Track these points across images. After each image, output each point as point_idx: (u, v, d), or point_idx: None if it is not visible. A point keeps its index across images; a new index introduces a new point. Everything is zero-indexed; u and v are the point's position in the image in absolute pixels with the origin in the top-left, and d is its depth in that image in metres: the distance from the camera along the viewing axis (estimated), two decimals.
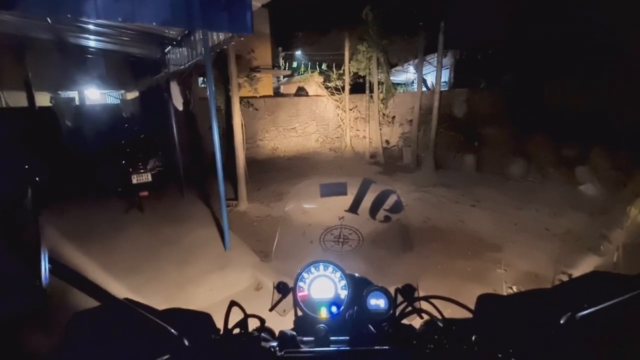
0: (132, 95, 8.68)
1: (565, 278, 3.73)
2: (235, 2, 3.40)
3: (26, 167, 5.07)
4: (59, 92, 8.29)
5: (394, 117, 10.70)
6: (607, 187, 6.37)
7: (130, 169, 5.58)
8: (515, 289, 3.45)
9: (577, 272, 3.76)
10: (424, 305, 0.73)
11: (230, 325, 0.66)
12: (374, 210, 0.89)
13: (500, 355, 0.50)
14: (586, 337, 0.45)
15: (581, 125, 7.57)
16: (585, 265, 3.86)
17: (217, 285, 3.71)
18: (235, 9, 3.40)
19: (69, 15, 2.82)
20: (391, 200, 0.90)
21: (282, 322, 0.81)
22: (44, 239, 0.41)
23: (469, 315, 0.62)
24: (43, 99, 8.19)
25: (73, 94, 8.78)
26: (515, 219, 5.45)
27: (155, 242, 4.69)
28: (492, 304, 0.59)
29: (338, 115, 10.85)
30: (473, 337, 0.56)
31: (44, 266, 0.40)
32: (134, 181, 5.57)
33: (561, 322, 0.46)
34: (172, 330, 0.52)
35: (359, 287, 0.78)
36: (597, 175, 6.74)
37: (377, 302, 0.74)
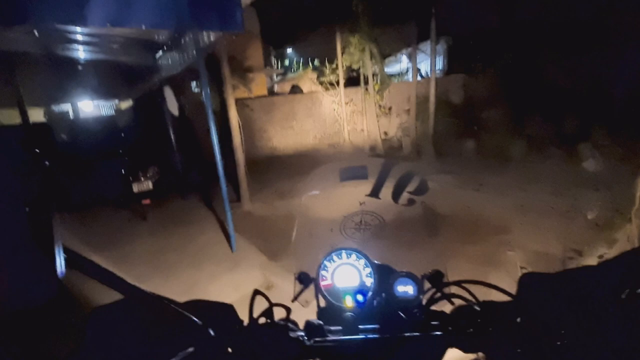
0: (126, 104, 8.63)
1: (575, 255, 3.71)
2: (225, 0, 3.35)
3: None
4: (52, 106, 8.23)
5: (390, 108, 10.65)
6: (609, 162, 6.35)
7: (131, 178, 5.56)
8: (529, 269, 3.43)
9: (587, 248, 3.75)
10: (455, 292, 0.70)
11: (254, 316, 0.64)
12: (396, 193, 0.85)
13: (551, 335, 0.47)
14: None
15: (580, 102, 7.54)
16: (595, 241, 3.84)
17: (226, 288, 3.69)
18: (225, 7, 3.35)
19: (55, 25, 2.78)
20: (415, 181, 0.86)
21: (305, 314, 0.78)
22: (58, 231, 0.39)
23: (507, 298, 0.58)
24: (36, 115, 8.13)
25: (66, 107, 8.72)
26: (520, 200, 5.43)
27: (161, 249, 4.67)
28: (536, 284, 0.56)
29: (334, 110, 10.80)
30: (518, 319, 0.53)
31: (59, 257, 0.38)
32: (135, 190, 5.56)
33: (622, 297, 0.42)
34: (197, 320, 0.50)
35: (385, 273, 0.75)
36: (599, 150, 6.72)
37: (405, 289, 0.71)
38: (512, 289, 0.57)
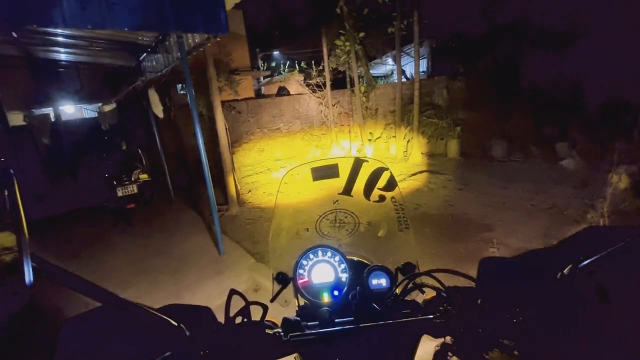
0: (109, 106, 8.44)
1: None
2: (208, 2, 3.35)
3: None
4: (33, 109, 7.98)
5: (376, 109, 10.75)
6: (586, 160, 6.59)
7: (115, 182, 5.45)
8: None
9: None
10: (426, 281, 0.74)
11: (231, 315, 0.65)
12: (367, 190, 0.88)
13: (507, 315, 0.51)
14: (589, 286, 0.46)
15: (559, 103, 7.80)
16: None
17: (214, 291, 3.67)
18: (209, 9, 3.35)
19: (35, 26, 2.72)
20: (384, 178, 0.89)
21: (284, 313, 0.80)
22: (25, 238, 0.38)
23: (472, 284, 0.62)
24: (16, 119, 7.88)
25: (48, 110, 8.46)
26: (502, 198, 5.58)
27: (147, 254, 4.61)
28: (494, 268, 0.60)
29: (321, 112, 10.82)
30: (478, 301, 0.57)
31: (27, 266, 0.38)
32: (120, 194, 5.45)
33: (564, 273, 0.47)
34: (173, 322, 0.50)
35: (359, 268, 0.78)
36: (576, 150, 6.96)
37: (379, 281, 0.74)
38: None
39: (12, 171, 0.40)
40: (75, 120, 8.98)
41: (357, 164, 0.88)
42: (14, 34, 4.37)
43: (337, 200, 0.89)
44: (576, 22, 8.13)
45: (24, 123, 7.58)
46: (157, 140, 6.45)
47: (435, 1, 10.07)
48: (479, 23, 10.29)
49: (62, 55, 6.00)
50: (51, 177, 6.53)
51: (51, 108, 8.47)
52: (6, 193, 0.41)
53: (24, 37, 4.74)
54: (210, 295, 3.60)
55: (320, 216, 0.90)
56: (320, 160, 0.90)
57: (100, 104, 9.00)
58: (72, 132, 7.66)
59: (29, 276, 0.37)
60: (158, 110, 6.08)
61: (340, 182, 0.88)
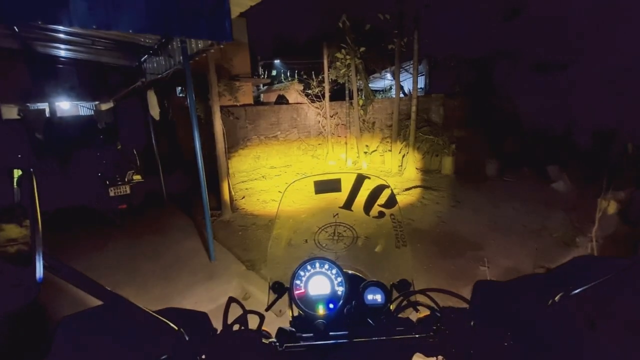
0: (107, 105, 8.40)
1: (544, 271, 3.87)
2: (214, 9, 3.39)
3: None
4: (28, 104, 7.89)
5: (374, 123, 10.87)
6: (576, 184, 6.72)
7: (107, 182, 5.38)
8: None
9: (554, 265, 3.92)
10: (420, 300, 0.74)
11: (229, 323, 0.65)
12: (368, 206, 0.89)
13: (498, 338, 0.52)
14: (579, 314, 0.48)
15: (551, 127, 7.98)
16: (561, 258, 4.03)
17: (203, 297, 3.61)
18: (214, 16, 3.39)
19: (39, 22, 2.72)
20: (385, 195, 0.91)
21: (278, 323, 0.80)
22: (39, 235, 0.39)
23: (466, 305, 0.63)
24: (10, 112, 7.78)
25: (44, 105, 8.38)
26: (494, 217, 5.63)
27: (137, 256, 4.53)
28: (488, 290, 0.61)
29: (319, 122, 10.91)
30: (472, 322, 0.58)
31: (39, 262, 0.38)
32: (112, 194, 5.37)
33: (555, 300, 0.48)
34: (173, 326, 0.51)
35: (355, 282, 0.79)
36: (567, 173, 7.09)
37: (374, 297, 0.75)
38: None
39: (31, 170, 0.41)
40: (71, 117, 8.90)
41: (359, 179, 0.90)
42: (15, 28, 4.35)
43: (337, 214, 0.90)
44: (570, 51, 8.42)
45: (18, 117, 7.50)
46: (153, 141, 6.42)
47: (435, 21, 10.33)
48: (477, 45, 10.57)
49: (62, 51, 5.97)
50: (41, 173, 6.42)
51: (47, 103, 8.40)
52: (15, 189, 0.42)
53: (25, 31, 4.73)
54: (199, 300, 3.54)
55: (320, 228, 0.91)
56: (323, 174, 0.91)
57: (97, 102, 8.95)
58: (67, 128, 7.58)
59: (39, 272, 0.38)
60: (155, 112, 6.07)
61: (341, 197, 0.89)
